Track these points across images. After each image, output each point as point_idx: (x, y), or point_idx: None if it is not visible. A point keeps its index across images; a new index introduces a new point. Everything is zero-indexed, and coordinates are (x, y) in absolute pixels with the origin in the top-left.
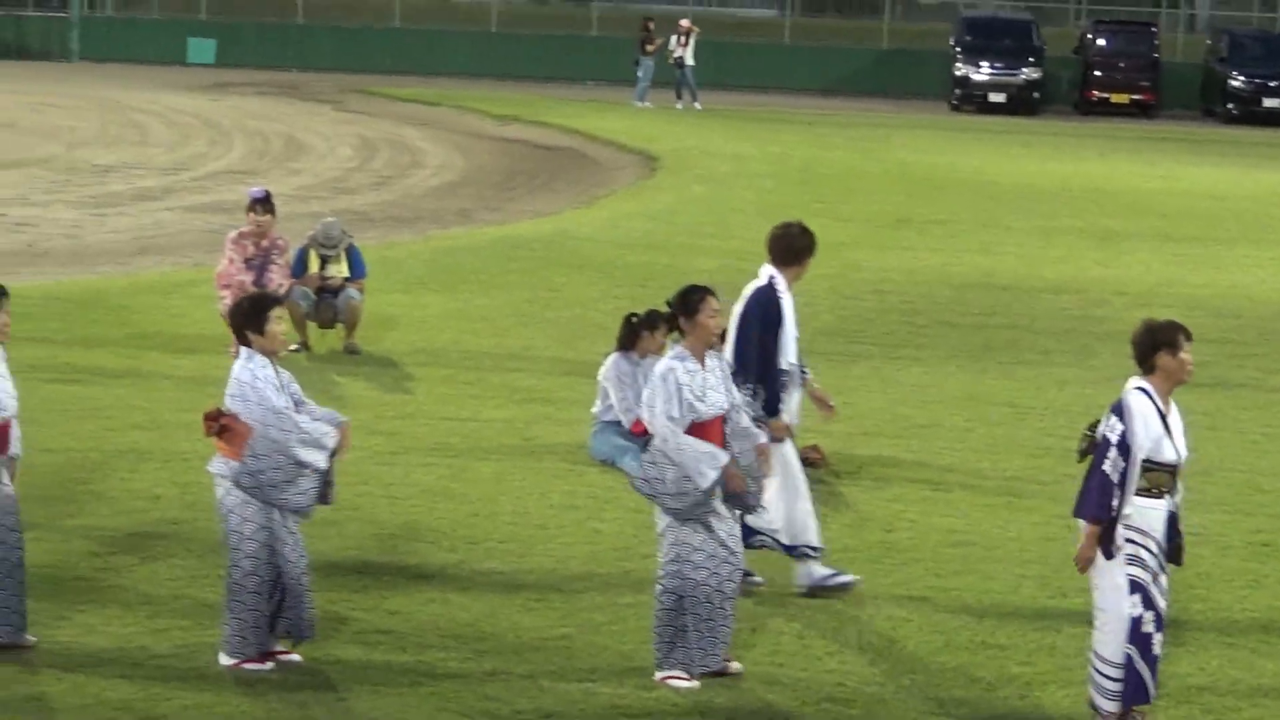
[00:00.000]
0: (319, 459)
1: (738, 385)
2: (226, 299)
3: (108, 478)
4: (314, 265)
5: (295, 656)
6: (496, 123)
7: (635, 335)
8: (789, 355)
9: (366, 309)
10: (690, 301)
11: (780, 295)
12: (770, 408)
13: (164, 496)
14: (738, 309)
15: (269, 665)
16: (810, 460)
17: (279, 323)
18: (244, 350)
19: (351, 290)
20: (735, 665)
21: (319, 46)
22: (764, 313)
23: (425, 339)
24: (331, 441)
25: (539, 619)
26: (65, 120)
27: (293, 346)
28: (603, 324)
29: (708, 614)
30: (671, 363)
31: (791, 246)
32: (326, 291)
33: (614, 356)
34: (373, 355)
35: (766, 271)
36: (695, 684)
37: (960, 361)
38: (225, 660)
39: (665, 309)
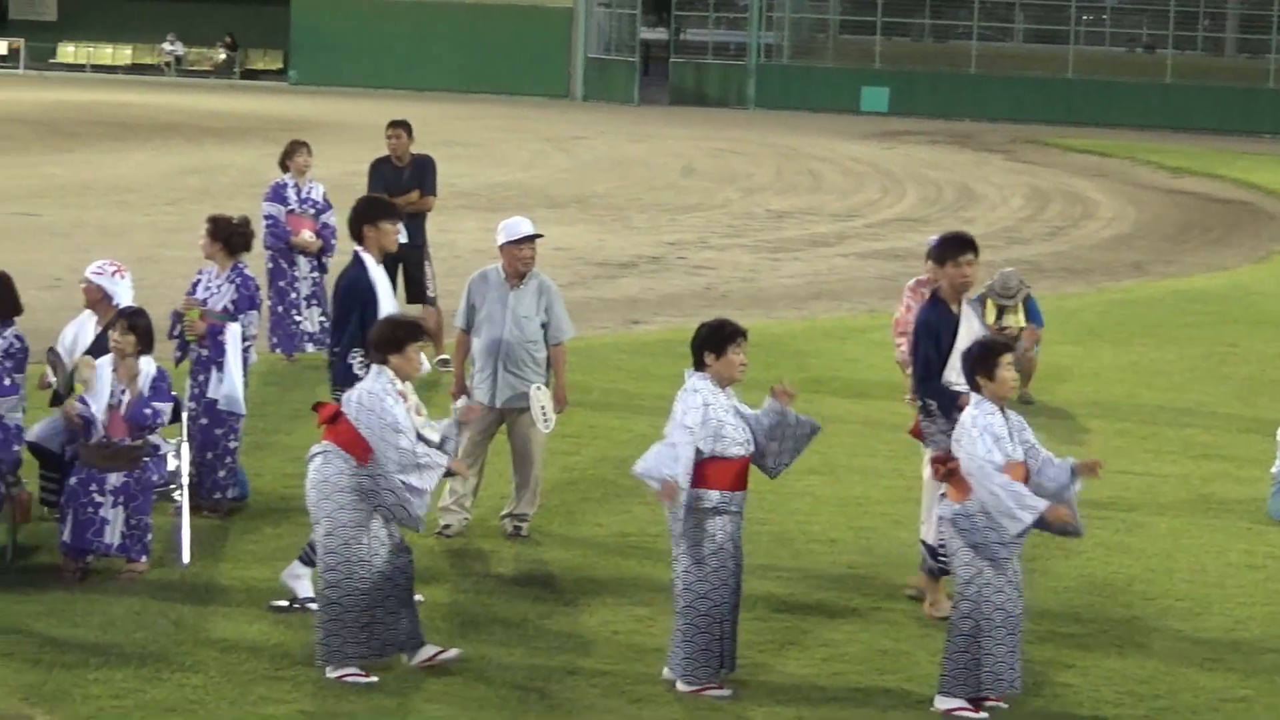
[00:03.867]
0: (1025, 517)
1: None
2: (903, 346)
3: (785, 520)
4: (990, 315)
5: (1003, 704)
6: (1170, 175)
7: None
8: None
9: (1040, 359)
10: None
11: None
12: None
13: (840, 541)
14: None
15: (982, 714)
16: None
17: (1010, 369)
18: (974, 396)
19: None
20: None
21: (991, 96)
22: None
23: (1099, 391)
24: (1041, 506)
25: (1217, 680)
26: (742, 166)
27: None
28: None
29: None
30: None
31: None
32: None
33: None
34: (1046, 405)
35: None
36: None
37: None
38: (941, 704)
39: None
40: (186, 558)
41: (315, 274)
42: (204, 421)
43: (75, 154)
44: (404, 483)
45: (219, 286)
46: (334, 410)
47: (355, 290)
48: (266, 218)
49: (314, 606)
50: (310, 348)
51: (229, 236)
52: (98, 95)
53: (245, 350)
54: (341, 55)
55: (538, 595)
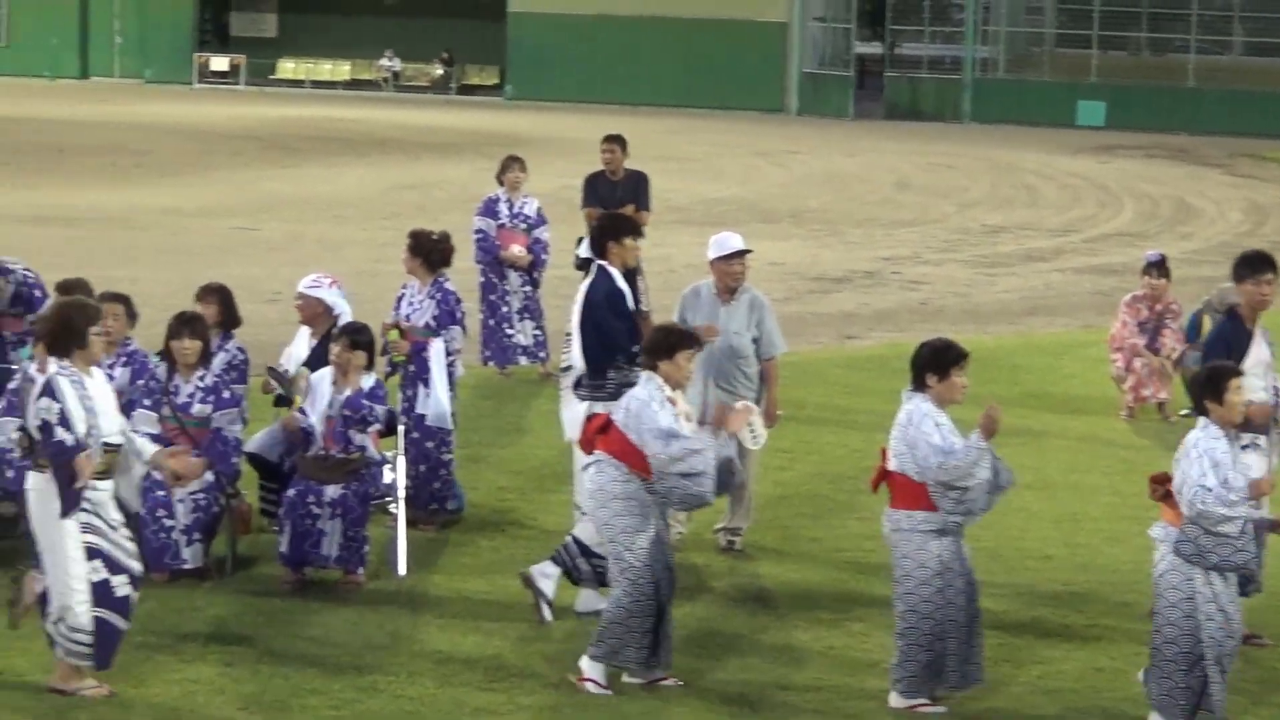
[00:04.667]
0: (1239, 510)
1: None
2: (1118, 361)
3: (999, 537)
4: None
5: None
6: None
7: None
8: None
9: None
10: None
11: None
12: None
13: (1055, 557)
14: None
15: None
16: None
17: (1239, 393)
18: (1201, 420)
19: None
20: None
21: (1210, 110)
22: None
23: None
24: (1242, 483)
25: None
26: (957, 181)
27: (1183, 412)
28: None
29: None
30: None
31: None
32: None
33: None
34: None
35: None
36: None
37: None
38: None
39: None
40: (403, 570)
41: (527, 288)
42: (415, 435)
43: (295, 169)
44: (682, 474)
45: (421, 302)
46: (604, 420)
47: (613, 301)
48: (476, 232)
49: (546, 611)
50: (523, 361)
51: (428, 252)
52: (317, 111)
53: (450, 365)
54: (556, 70)
55: (752, 609)
